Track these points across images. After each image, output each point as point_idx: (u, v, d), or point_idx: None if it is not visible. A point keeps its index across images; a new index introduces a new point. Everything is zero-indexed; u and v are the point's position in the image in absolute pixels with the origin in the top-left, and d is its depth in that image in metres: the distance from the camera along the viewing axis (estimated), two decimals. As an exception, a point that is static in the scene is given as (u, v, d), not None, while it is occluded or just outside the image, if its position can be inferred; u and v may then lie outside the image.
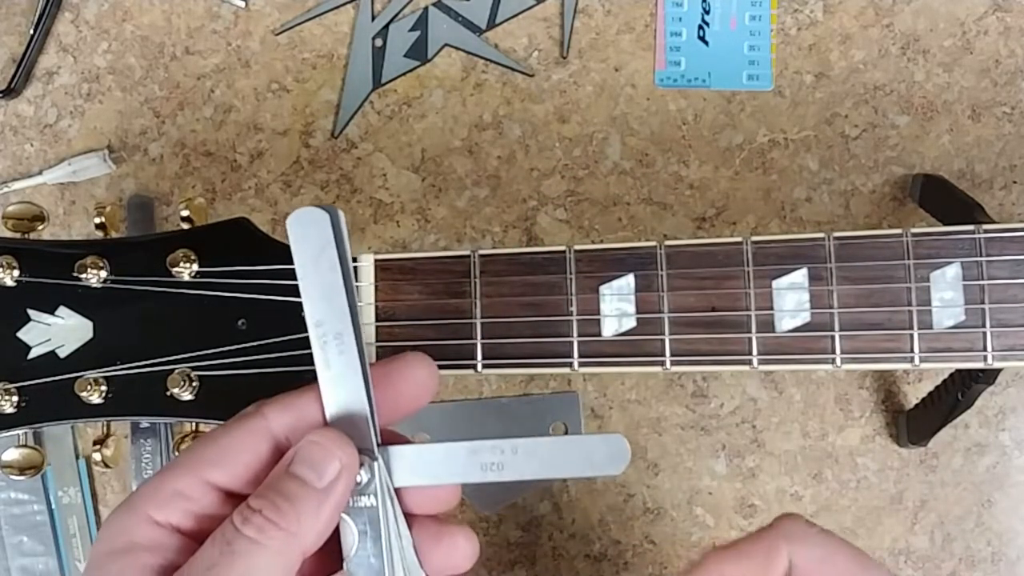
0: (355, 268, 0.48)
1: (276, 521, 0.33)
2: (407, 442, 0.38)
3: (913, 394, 0.63)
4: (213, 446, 0.36)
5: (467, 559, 0.37)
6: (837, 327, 0.46)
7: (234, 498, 0.35)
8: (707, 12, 0.65)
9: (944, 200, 0.59)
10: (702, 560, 0.37)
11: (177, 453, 0.48)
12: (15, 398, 0.47)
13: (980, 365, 0.46)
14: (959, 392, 0.54)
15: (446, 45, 0.65)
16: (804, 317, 0.46)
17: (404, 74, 0.65)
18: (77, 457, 0.64)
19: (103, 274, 0.47)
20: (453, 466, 0.36)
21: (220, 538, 0.33)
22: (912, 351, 0.46)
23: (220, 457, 0.35)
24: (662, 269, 0.47)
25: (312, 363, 0.47)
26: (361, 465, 0.36)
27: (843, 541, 0.38)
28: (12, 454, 0.48)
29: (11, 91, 0.65)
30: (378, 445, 0.36)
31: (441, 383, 0.65)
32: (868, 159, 0.64)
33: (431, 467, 0.37)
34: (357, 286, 0.48)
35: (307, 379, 0.47)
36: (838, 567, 0.36)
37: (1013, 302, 0.46)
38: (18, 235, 0.49)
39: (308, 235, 0.35)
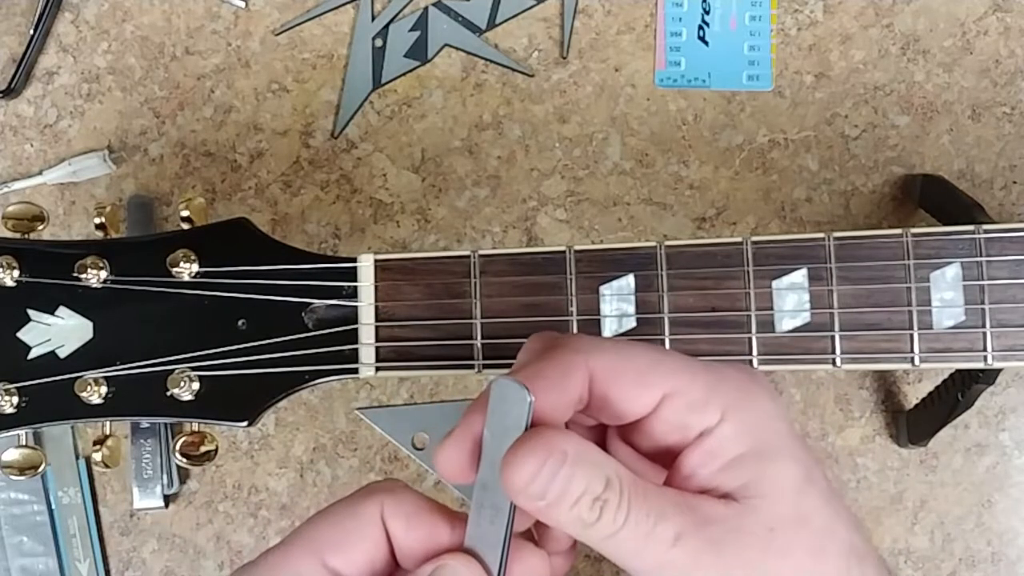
0: (355, 268, 0.48)
1: None
2: None
3: (913, 394, 0.63)
4: (333, 529, 0.35)
5: None
6: (837, 327, 0.46)
7: None
8: (707, 12, 0.65)
9: (944, 200, 0.59)
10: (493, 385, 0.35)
11: (176, 455, 0.48)
12: (15, 398, 0.47)
13: (980, 365, 0.46)
14: (959, 392, 0.54)
15: (446, 45, 0.65)
16: (804, 317, 0.46)
17: (404, 74, 0.65)
18: (77, 457, 0.64)
19: (103, 274, 0.47)
20: None
21: None
22: (912, 351, 0.46)
23: (342, 542, 0.34)
24: (662, 269, 0.47)
25: (310, 364, 0.47)
26: None
27: (636, 342, 0.37)
28: (12, 454, 0.48)
29: (11, 91, 0.65)
30: None
31: (441, 383, 0.65)
32: (868, 159, 0.64)
33: None
34: (357, 286, 0.48)
35: (307, 379, 0.47)
36: (636, 361, 0.35)
37: (1013, 302, 0.46)
38: (18, 235, 0.49)
39: (509, 408, 0.34)
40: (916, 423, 0.61)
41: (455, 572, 0.33)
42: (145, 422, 0.62)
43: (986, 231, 0.46)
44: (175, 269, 0.47)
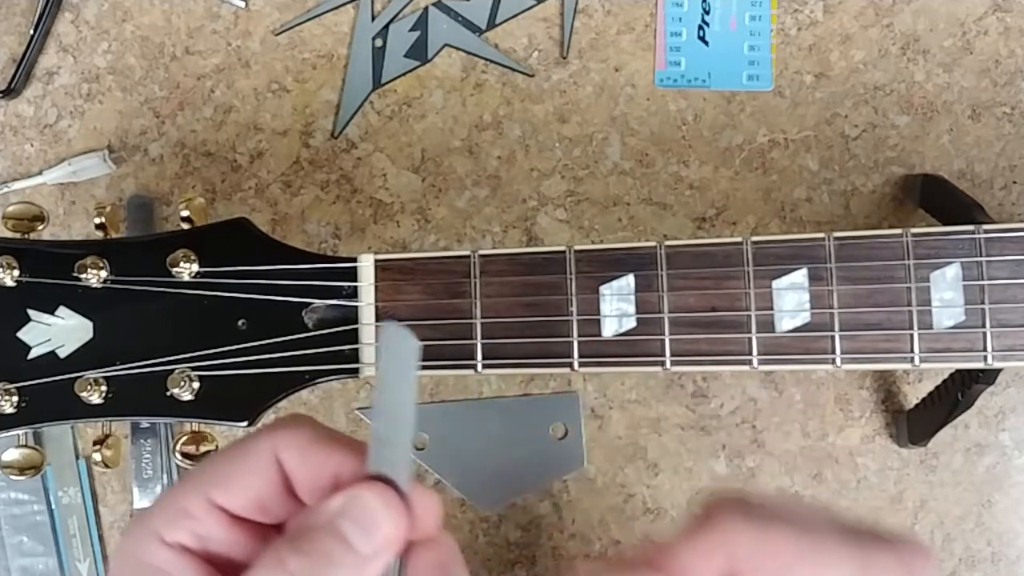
0: (355, 268, 0.48)
1: None
2: None
3: (913, 394, 0.63)
4: (221, 465, 0.34)
5: None
6: (837, 327, 0.46)
7: (238, 522, 0.34)
8: (707, 12, 0.65)
9: (944, 200, 0.59)
10: (641, 555, 0.33)
11: (176, 455, 0.48)
12: (15, 398, 0.47)
13: (980, 365, 0.46)
14: (959, 392, 0.54)
15: (446, 45, 0.65)
16: (804, 317, 0.46)
17: (404, 74, 0.65)
18: (77, 457, 0.64)
19: (103, 274, 0.47)
20: None
21: None
22: (912, 351, 0.46)
23: (226, 478, 0.33)
24: (662, 269, 0.47)
25: (310, 363, 0.47)
26: None
27: (782, 522, 0.33)
28: (12, 454, 0.48)
29: (11, 91, 0.65)
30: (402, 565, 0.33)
31: (441, 383, 0.65)
32: (868, 159, 0.64)
33: None
34: (357, 286, 0.48)
35: (307, 379, 0.47)
36: (779, 557, 0.32)
37: (1013, 302, 0.46)
38: (18, 235, 0.49)
39: (400, 356, 0.33)
40: (916, 423, 0.61)
41: (368, 504, 0.32)
42: (145, 422, 0.62)
43: (986, 231, 0.46)
44: (175, 269, 0.47)
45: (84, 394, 0.47)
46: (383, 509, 0.32)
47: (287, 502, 0.34)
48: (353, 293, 0.48)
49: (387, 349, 0.33)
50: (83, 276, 0.47)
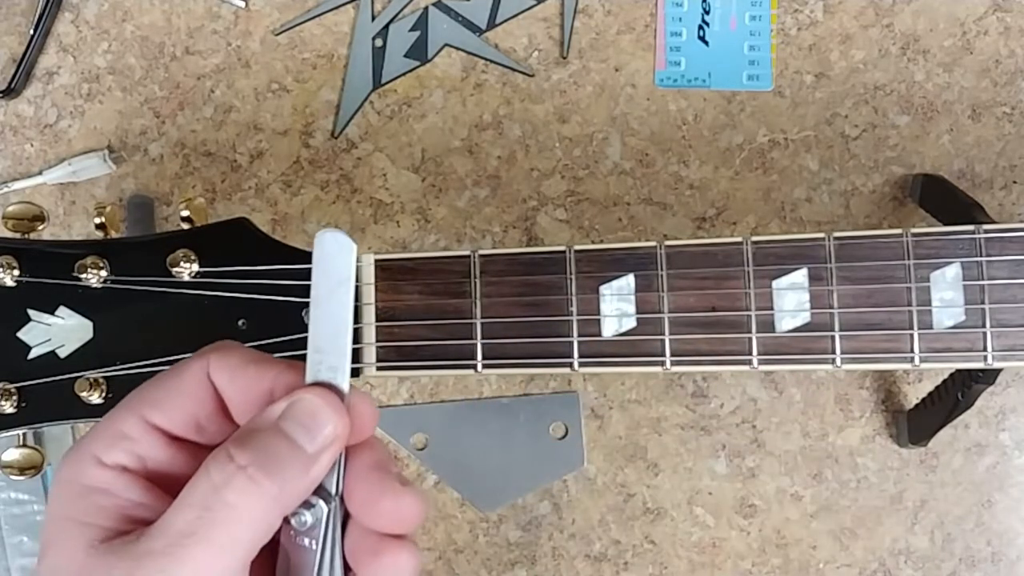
0: (355, 268, 0.48)
1: (261, 482, 0.31)
2: None
3: (913, 394, 0.63)
4: (156, 388, 0.35)
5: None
6: (837, 327, 0.46)
7: (176, 441, 0.34)
8: (707, 12, 0.65)
9: (944, 200, 0.59)
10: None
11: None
12: (15, 398, 0.47)
13: (980, 365, 0.46)
14: (959, 392, 0.54)
15: (446, 45, 0.65)
16: (804, 317, 0.46)
17: (404, 74, 0.65)
18: (77, 457, 0.64)
19: (103, 274, 0.47)
20: None
21: (197, 499, 0.31)
22: (912, 351, 0.46)
23: (161, 400, 0.34)
24: (662, 269, 0.47)
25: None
26: (312, 506, 0.33)
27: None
28: (12, 454, 0.48)
29: (11, 91, 0.65)
30: (339, 491, 0.33)
31: (441, 383, 0.65)
32: (868, 159, 0.64)
33: None
34: (357, 286, 0.48)
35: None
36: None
37: (1013, 302, 0.46)
38: (18, 235, 0.49)
39: (334, 261, 0.33)
40: (916, 423, 0.61)
41: (309, 405, 0.32)
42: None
43: (986, 231, 0.46)
44: (175, 269, 0.47)
45: (84, 394, 0.47)
46: (324, 409, 0.32)
47: (223, 423, 0.35)
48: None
49: (322, 255, 0.33)
50: (83, 276, 0.47)
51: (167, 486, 0.33)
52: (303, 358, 0.34)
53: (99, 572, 0.31)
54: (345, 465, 0.33)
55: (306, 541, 0.33)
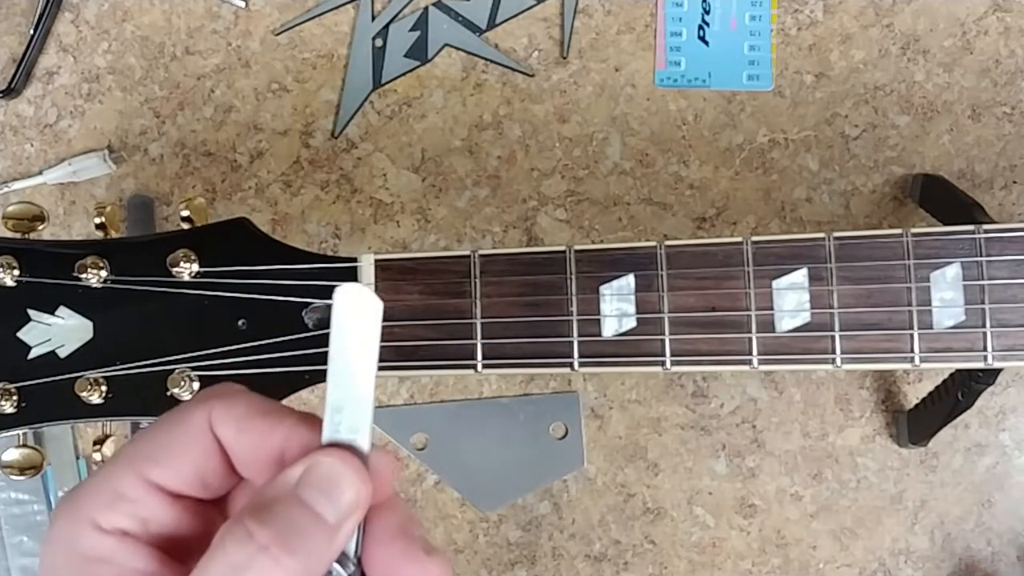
0: (356, 268, 0.48)
1: (284, 562, 0.28)
2: None
3: (913, 394, 0.63)
4: (153, 442, 0.32)
5: None
6: (837, 327, 0.46)
7: (178, 500, 0.32)
8: (707, 12, 0.65)
9: (944, 200, 0.59)
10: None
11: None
12: (15, 398, 0.47)
13: (980, 365, 0.46)
14: (959, 392, 0.54)
15: (446, 45, 0.65)
16: (804, 317, 0.46)
17: (404, 74, 0.65)
18: (77, 457, 0.64)
19: (103, 274, 0.47)
20: None
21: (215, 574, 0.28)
22: (912, 351, 0.46)
23: (161, 455, 0.31)
24: (662, 269, 0.47)
25: (310, 364, 0.47)
26: (330, 573, 0.30)
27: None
28: (12, 454, 0.48)
29: (11, 91, 0.65)
30: (358, 553, 0.31)
31: (441, 383, 0.65)
32: (868, 159, 0.64)
33: None
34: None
35: (307, 379, 0.47)
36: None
37: (1013, 302, 0.46)
38: (18, 235, 0.49)
39: (357, 318, 0.31)
40: (916, 423, 0.61)
41: (329, 470, 0.30)
42: (145, 422, 0.62)
43: (986, 231, 0.46)
44: (175, 269, 0.47)
45: (84, 394, 0.47)
46: (345, 474, 0.30)
47: (227, 476, 0.32)
48: (353, 293, 0.48)
49: (343, 310, 0.31)
50: (83, 276, 0.47)
51: (170, 549, 0.31)
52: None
53: None
54: (364, 526, 0.31)
55: None
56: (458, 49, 0.65)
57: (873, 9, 0.64)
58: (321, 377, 0.47)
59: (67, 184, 0.65)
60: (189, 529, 0.32)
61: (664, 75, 0.65)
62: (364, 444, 0.31)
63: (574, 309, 0.47)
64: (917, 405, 0.61)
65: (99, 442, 0.48)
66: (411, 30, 0.65)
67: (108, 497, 0.31)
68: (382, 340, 0.33)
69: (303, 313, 0.47)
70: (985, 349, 0.46)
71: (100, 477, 0.31)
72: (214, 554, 0.29)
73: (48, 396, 0.47)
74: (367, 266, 0.48)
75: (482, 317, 0.47)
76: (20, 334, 0.47)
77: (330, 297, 0.47)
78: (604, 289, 0.47)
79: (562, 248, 0.47)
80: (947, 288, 0.46)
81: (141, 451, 0.31)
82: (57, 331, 0.47)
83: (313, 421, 0.32)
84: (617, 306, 0.47)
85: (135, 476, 0.31)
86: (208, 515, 0.32)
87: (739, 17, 0.65)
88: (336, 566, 0.31)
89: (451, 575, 0.32)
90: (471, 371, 0.47)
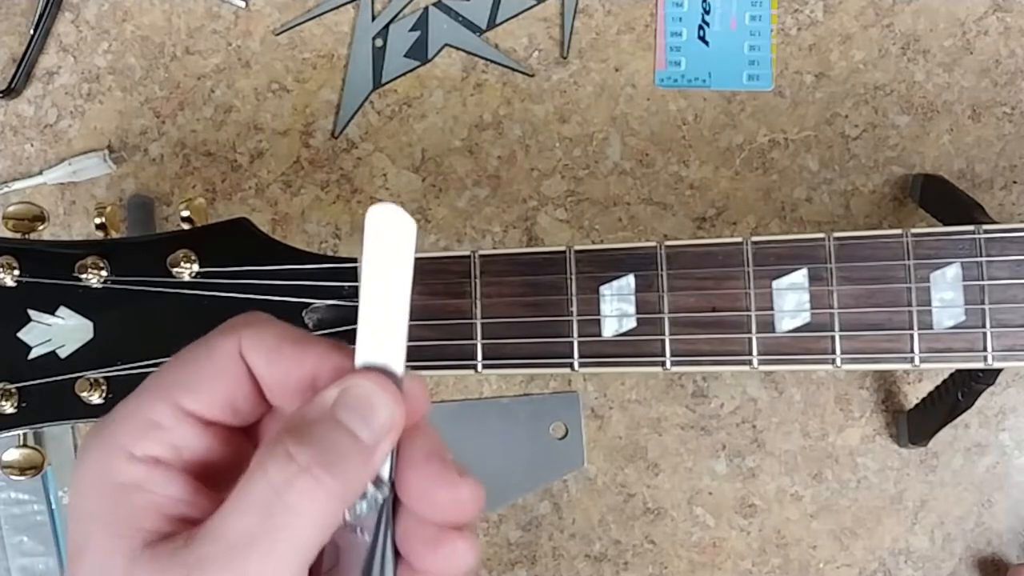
0: (356, 268, 0.48)
1: (325, 481, 0.28)
2: None
3: (913, 394, 0.63)
4: (184, 370, 0.32)
5: (464, 569, 0.32)
6: (837, 327, 0.46)
7: (209, 426, 0.31)
8: (707, 12, 0.65)
9: (944, 200, 0.59)
10: None
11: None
12: (15, 398, 0.47)
13: (980, 365, 0.46)
14: (959, 392, 0.54)
15: (446, 45, 0.65)
16: (804, 317, 0.46)
17: (404, 74, 0.65)
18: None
19: (103, 274, 0.47)
20: None
21: (256, 501, 0.28)
22: (912, 351, 0.46)
23: (193, 382, 0.31)
24: (662, 269, 0.47)
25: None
26: (365, 496, 0.30)
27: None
28: (12, 454, 0.48)
29: (11, 91, 0.65)
30: (391, 477, 0.31)
31: (441, 383, 0.65)
32: (868, 159, 0.64)
33: None
34: (358, 286, 0.48)
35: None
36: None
37: (1013, 302, 0.46)
38: (18, 235, 0.49)
39: (390, 239, 0.31)
40: (916, 423, 0.61)
41: (364, 392, 0.30)
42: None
43: (986, 231, 0.46)
44: (175, 269, 0.47)
45: (84, 394, 0.47)
46: (380, 396, 0.30)
47: (257, 402, 0.32)
48: (354, 293, 0.48)
49: (376, 232, 0.31)
50: (83, 276, 0.47)
51: (205, 477, 0.31)
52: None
53: None
54: (397, 450, 0.31)
55: (357, 530, 0.31)
56: (458, 49, 0.65)
57: (873, 9, 0.64)
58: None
59: (67, 184, 0.65)
60: (220, 456, 0.32)
61: (664, 75, 0.65)
62: (398, 368, 0.31)
63: (574, 309, 0.47)
64: (917, 405, 0.61)
65: (99, 442, 0.48)
66: (411, 30, 0.65)
67: (141, 425, 0.31)
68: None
69: (303, 313, 0.47)
70: (985, 349, 0.46)
71: (131, 406, 0.31)
72: (253, 476, 0.29)
73: (48, 396, 0.47)
74: (367, 266, 0.48)
75: (482, 317, 0.47)
76: (20, 334, 0.47)
77: (330, 297, 0.47)
78: (604, 289, 0.47)
79: (562, 248, 0.47)
80: (947, 288, 0.46)
81: (172, 379, 0.31)
82: (57, 331, 0.47)
83: (344, 348, 0.32)
84: (617, 306, 0.47)
85: (167, 404, 0.31)
86: (238, 443, 0.32)
87: (739, 17, 0.65)
88: (371, 487, 0.31)
89: (483, 497, 0.32)
90: (471, 371, 0.47)
